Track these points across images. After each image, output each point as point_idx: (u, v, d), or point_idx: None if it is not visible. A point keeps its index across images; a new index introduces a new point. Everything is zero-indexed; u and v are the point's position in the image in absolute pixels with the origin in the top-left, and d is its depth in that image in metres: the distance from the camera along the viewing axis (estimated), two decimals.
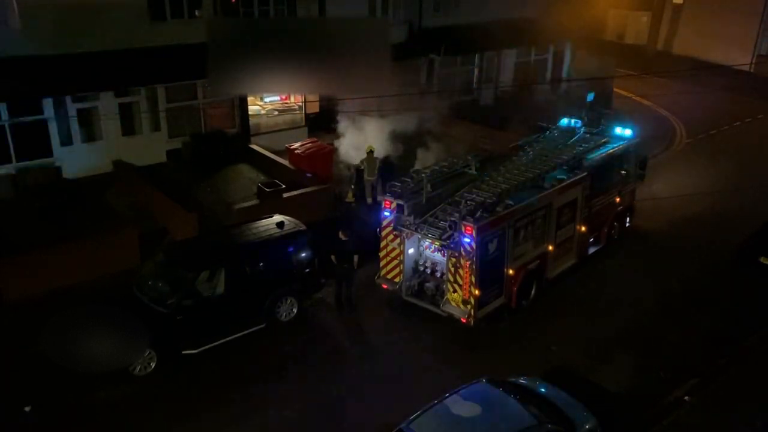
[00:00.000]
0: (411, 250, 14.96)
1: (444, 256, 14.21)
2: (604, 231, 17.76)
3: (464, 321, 13.99)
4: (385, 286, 15.28)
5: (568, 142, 17.62)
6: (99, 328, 12.26)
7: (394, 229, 14.55)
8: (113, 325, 12.35)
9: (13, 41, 18.16)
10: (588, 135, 18.08)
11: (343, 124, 22.42)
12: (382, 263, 15.24)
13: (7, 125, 19.40)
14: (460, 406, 10.30)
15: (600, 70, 29.90)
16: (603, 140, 17.68)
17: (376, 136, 21.30)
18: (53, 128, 20.09)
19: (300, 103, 25.55)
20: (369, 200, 20.22)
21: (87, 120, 20.81)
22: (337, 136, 22.47)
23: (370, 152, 20.13)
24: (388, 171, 20.28)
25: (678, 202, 20.83)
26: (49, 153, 20.20)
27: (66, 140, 20.44)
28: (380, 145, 21.21)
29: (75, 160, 20.51)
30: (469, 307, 13.89)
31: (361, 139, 21.46)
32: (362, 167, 20.27)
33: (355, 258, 15.04)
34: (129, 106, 21.41)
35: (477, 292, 13.77)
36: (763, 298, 16.00)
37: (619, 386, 12.91)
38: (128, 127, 21.51)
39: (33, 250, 15.50)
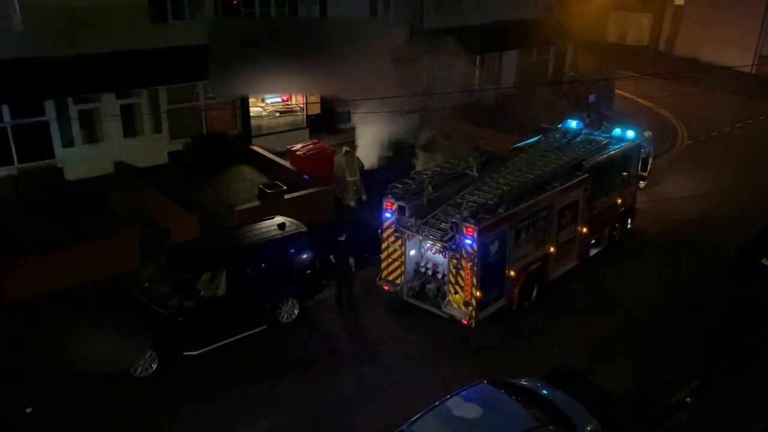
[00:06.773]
0: (412, 252, 14.95)
1: (445, 257, 14.20)
2: (605, 232, 17.73)
3: (465, 322, 13.98)
4: (386, 288, 15.28)
5: (570, 144, 17.61)
6: (100, 330, 12.26)
7: (396, 230, 14.54)
8: (114, 327, 12.34)
9: (15, 43, 18.19)
10: (590, 136, 18.07)
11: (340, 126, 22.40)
12: (383, 265, 15.25)
13: (9, 127, 19.42)
14: (462, 407, 10.30)
15: (601, 71, 29.90)
16: (604, 142, 17.67)
17: (375, 136, 21.29)
18: (55, 130, 20.10)
19: (301, 105, 25.57)
20: (351, 203, 19.83)
21: (89, 121, 20.83)
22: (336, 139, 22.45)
23: (347, 152, 19.82)
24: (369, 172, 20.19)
25: (679, 203, 20.79)
26: (51, 154, 20.22)
27: (68, 142, 20.46)
28: (379, 145, 21.21)
29: (77, 161, 20.55)
30: (470, 308, 13.88)
31: (360, 140, 21.46)
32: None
33: (350, 260, 15.06)
34: (130, 108, 21.41)
35: (478, 293, 13.76)
36: (765, 300, 15.96)
37: (621, 388, 12.89)
38: (130, 129, 21.52)
39: (34, 251, 15.50)
